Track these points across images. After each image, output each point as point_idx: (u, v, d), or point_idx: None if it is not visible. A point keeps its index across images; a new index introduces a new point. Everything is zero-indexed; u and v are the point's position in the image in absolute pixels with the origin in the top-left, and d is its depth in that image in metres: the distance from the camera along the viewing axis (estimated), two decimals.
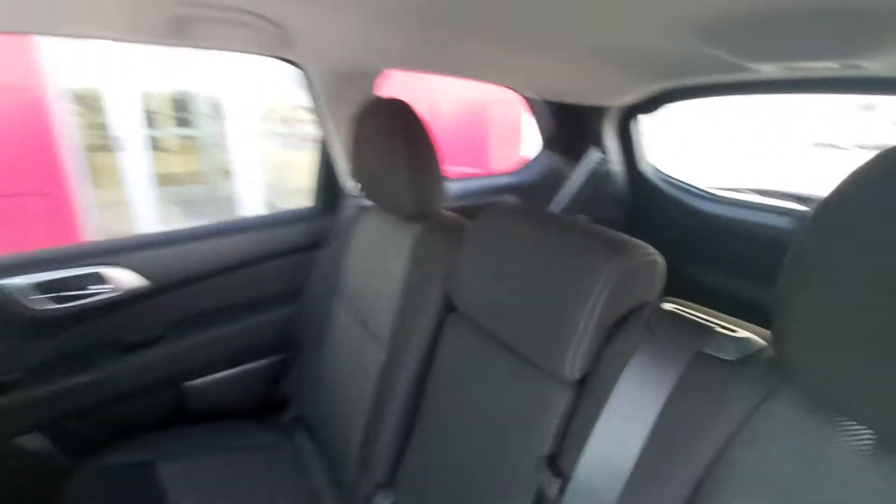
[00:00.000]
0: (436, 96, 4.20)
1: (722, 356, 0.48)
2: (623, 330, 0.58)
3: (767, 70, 1.06)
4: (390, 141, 0.87)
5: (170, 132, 4.89)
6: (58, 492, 0.91)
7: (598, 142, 1.57)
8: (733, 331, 0.50)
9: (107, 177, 3.83)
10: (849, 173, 0.37)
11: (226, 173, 4.47)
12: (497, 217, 0.75)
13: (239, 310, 1.23)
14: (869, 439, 0.38)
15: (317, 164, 1.35)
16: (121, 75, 3.53)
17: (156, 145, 4.70)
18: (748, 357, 0.48)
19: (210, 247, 1.18)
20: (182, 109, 4.75)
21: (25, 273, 0.96)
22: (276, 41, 0.94)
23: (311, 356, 1.14)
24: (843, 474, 0.39)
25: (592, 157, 1.56)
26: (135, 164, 3.71)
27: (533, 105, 1.64)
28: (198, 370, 1.18)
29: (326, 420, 1.07)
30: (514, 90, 1.52)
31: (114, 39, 0.91)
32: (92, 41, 0.96)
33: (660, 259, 0.60)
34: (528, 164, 1.78)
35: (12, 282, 0.95)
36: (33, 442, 1.01)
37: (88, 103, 3.75)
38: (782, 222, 1.36)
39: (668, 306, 0.56)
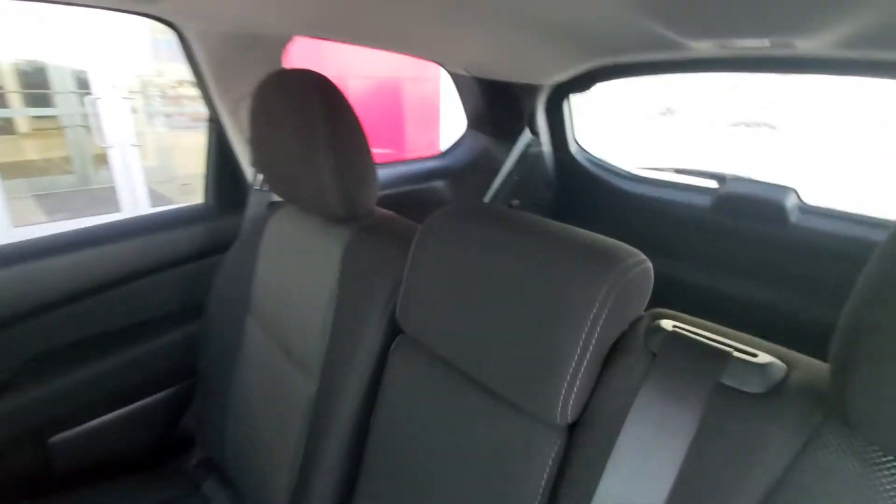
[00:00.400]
0: (343, 71, 3.90)
1: (746, 389, 0.41)
2: (619, 357, 0.48)
3: (701, 48, 1.04)
4: (307, 123, 0.69)
5: (23, 112, 4.09)
6: None
7: (530, 122, 1.49)
8: (753, 354, 0.42)
9: None
10: None
11: (99, 159, 3.83)
12: (453, 219, 0.61)
13: (119, 336, 0.99)
14: None
15: (208, 151, 1.12)
16: None
17: (5, 128, 3.93)
18: (775, 388, 0.40)
19: (74, 260, 0.91)
20: (38, 85, 3.96)
21: None
22: None
23: (218, 386, 0.94)
24: None
25: (525, 138, 1.48)
26: None
27: (459, 82, 1.51)
28: (67, 419, 0.93)
29: (242, 462, 0.89)
30: (440, 65, 1.38)
31: None
32: None
33: (650, 265, 0.51)
34: (455, 147, 1.66)
35: None
36: None
37: None
38: (700, 200, 1.40)
39: (665, 323, 0.48)
